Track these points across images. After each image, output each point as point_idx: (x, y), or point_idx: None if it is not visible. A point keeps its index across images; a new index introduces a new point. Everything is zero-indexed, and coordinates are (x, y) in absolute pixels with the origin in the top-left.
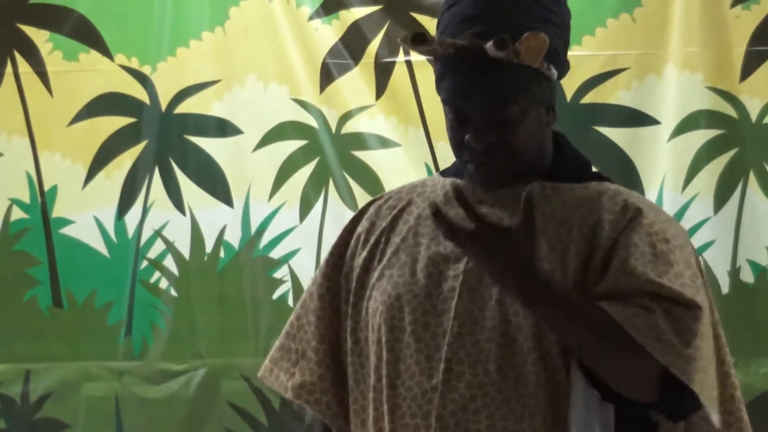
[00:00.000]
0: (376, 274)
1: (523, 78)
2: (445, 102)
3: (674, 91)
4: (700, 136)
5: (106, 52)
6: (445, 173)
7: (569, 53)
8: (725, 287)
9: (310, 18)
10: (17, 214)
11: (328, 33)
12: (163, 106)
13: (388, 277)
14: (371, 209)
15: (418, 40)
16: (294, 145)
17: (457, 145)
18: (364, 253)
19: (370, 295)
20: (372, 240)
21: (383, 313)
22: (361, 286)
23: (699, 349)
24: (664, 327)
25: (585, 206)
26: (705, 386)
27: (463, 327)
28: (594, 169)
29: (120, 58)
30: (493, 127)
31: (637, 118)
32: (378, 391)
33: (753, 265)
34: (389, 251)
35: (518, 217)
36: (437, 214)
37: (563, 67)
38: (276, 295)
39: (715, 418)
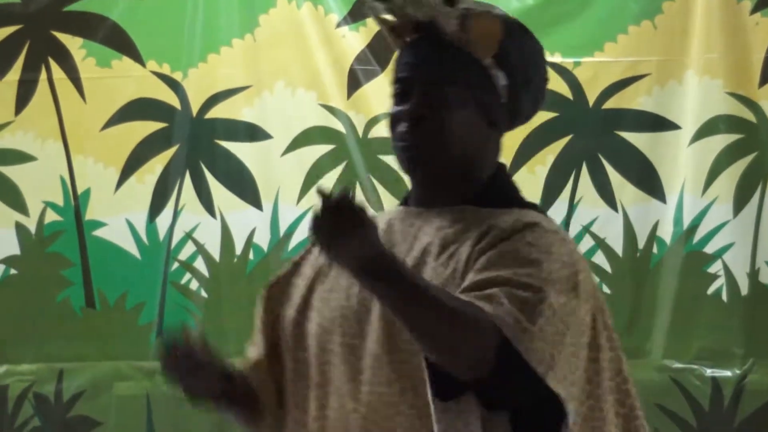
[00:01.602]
0: (317, 296)
1: (468, 68)
2: (394, 81)
3: (694, 96)
4: (719, 141)
5: (138, 59)
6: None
7: (593, 59)
8: (744, 289)
9: (338, 25)
10: (51, 216)
11: (355, 40)
12: (194, 111)
13: (325, 301)
14: None
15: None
16: (322, 149)
17: (394, 123)
18: (312, 274)
19: (310, 317)
20: (322, 260)
21: (318, 336)
22: (305, 307)
23: (544, 330)
24: (508, 306)
25: (486, 224)
26: (550, 368)
27: (382, 347)
28: (528, 201)
29: (152, 65)
30: (428, 105)
31: (657, 123)
32: (310, 412)
33: None
34: (332, 274)
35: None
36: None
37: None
38: None
39: (570, 409)
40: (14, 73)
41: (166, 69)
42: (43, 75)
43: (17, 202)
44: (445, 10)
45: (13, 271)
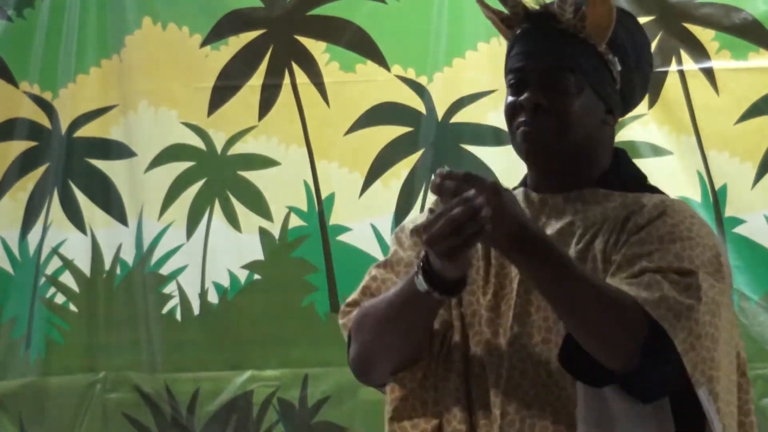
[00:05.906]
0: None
1: (584, 54)
2: (508, 71)
3: None
4: None
5: (382, 63)
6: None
7: None
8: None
9: None
10: (295, 221)
11: None
12: (440, 115)
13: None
14: None
15: None
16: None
17: (512, 113)
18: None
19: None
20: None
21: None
22: None
23: (698, 312)
24: (666, 287)
25: (626, 207)
26: (693, 354)
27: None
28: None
29: (396, 69)
30: (546, 91)
31: None
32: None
33: None
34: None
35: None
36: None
37: (629, 77)
38: None
39: (703, 396)
40: (258, 78)
41: (411, 73)
42: (287, 79)
43: (261, 208)
44: None
45: (257, 277)
